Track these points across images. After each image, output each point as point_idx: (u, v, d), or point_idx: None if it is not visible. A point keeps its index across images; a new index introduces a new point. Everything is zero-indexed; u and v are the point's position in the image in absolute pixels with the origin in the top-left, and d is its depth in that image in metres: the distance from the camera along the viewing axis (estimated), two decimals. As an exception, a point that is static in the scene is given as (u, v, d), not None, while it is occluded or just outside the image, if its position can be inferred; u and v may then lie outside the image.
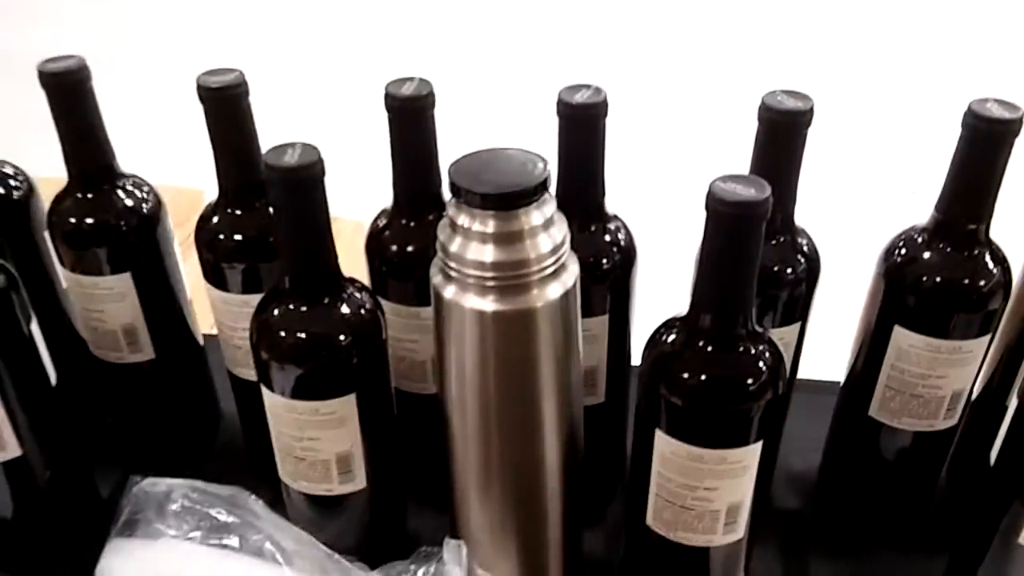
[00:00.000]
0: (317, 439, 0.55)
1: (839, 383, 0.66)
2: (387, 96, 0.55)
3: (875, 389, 0.60)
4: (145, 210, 0.65)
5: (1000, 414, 0.61)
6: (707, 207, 0.45)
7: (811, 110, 0.52)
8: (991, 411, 0.62)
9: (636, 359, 0.64)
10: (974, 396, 0.61)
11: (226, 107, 0.57)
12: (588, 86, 0.54)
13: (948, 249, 0.55)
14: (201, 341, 0.73)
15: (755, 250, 0.45)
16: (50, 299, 0.69)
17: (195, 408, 0.74)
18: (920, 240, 0.57)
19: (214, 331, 0.67)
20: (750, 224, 0.44)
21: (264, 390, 0.55)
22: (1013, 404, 0.52)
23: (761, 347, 0.49)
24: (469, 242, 0.47)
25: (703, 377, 0.49)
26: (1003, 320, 0.58)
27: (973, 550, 0.56)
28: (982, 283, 0.55)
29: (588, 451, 0.58)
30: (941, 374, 0.57)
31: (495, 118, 2.18)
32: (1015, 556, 0.53)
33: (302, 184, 0.48)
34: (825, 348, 0.72)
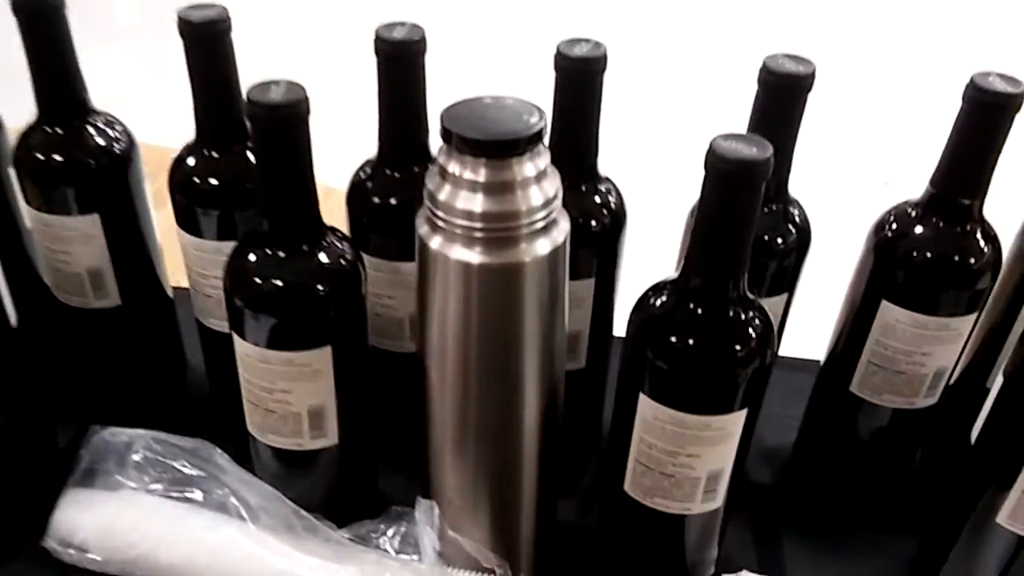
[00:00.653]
0: (289, 391, 0.53)
1: (819, 362, 0.66)
2: (377, 39, 0.53)
3: (857, 364, 0.60)
4: (117, 149, 0.62)
5: (980, 394, 0.61)
6: (706, 165, 0.43)
7: (812, 75, 0.51)
8: (971, 391, 0.62)
9: (618, 328, 0.63)
10: (955, 376, 0.61)
11: (208, 43, 0.55)
12: (588, 40, 0.53)
13: (940, 224, 0.55)
14: (170, 293, 0.71)
15: (753, 211, 0.44)
16: (13, 239, 0.66)
17: (161, 359, 0.72)
18: (912, 214, 0.56)
19: (184, 284, 0.65)
20: (750, 184, 0.43)
21: (236, 339, 0.53)
22: (998, 382, 0.52)
23: (751, 313, 0.48)
24: (458, 191, 0.45)
25: (690, 341, 0.48)
26: (988, 300, 0.58)
27: (948, 528, 0.56)
28: (972, 260, 0.55)
29: (567, 417, 0.57)
30: (926, 351, 0.57)
31: (487, 69, 2.13)
32: (991, 535, 0.53)
33: (286, 122, 0.46)
34: (807, 326, 0.71)
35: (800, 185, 0.58)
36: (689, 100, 2.12)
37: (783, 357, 0.64)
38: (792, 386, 0.67)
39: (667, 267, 0.63)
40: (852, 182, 1.90)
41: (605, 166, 0.59)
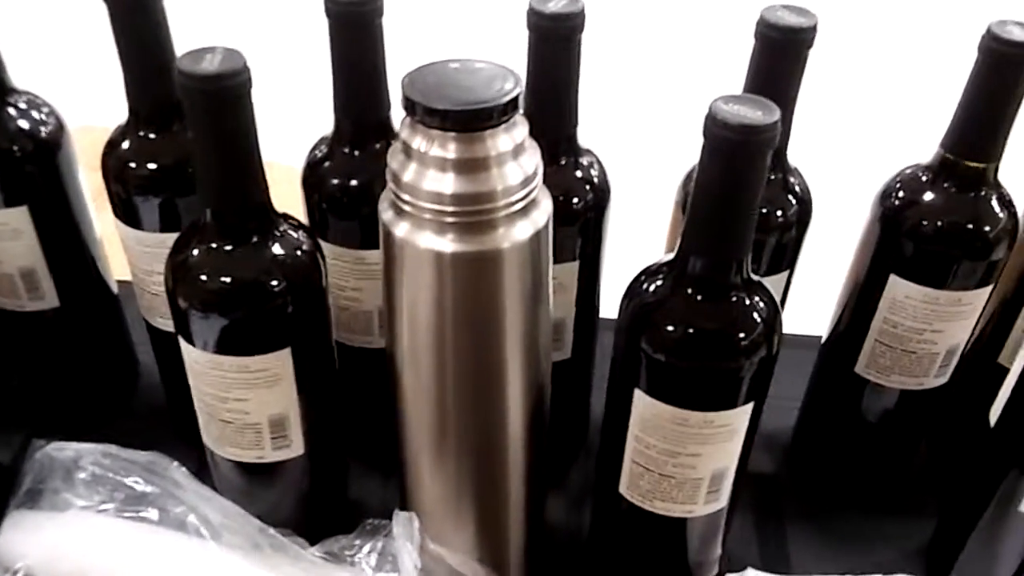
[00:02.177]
0: (246, 400, 0.48)
1: (818, 338, 0.62)
2: (327, 1, 0.47)
3: (864, 344, 0.56)
4: (44, 133, 0.56)
5: (991, 371, 0.57)
6: (706, 131, 0.38)
7: (814, 27, 0.46)
8: (982, 369, 0.58)
9: (604, 311, 0.58)
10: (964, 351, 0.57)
11: (134, 9, 0.48)
12: (562, -6, 0.47)
13: (952, 190, 0.50)
14: (115, 288, 0.65)
15: (758, 183, 0.39)
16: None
17: (108, 363, 0.66)
18: (923, 179, 0.51)
19: (129, 277, 0.59)
20: (756, 152, 0.38)
21: (183, 344, 0.48)
22: (1020, 362, 0.48)
23: (756, 298, 0.43)
24: (425, 170, 0.40)
25: (690, 330, 0.43)
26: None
27: (965, 516, 0.52)
28: (988, 228, 0.50)
29: (552, 411, 0.53)
30: (938, 328, 0.53)
31: (453, 31, 2.03)
32: (1012, 523, 0.49)
33: (224, 95, 0.40)
34: (805, 300, 0.67)
35: (797, 149, 0.53)
36: (677, 58, 2.01)
37: (784, 335, 0.60)
38: (790, 365, 0.62)
39: (656, 244, 0.59)
40: (853, 144, 1.82)
41: (585, 136, 0.53)
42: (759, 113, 0.37)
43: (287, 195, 0.55)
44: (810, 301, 0.66)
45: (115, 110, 0.54)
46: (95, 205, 0.61)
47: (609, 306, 0.50)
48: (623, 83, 1.75)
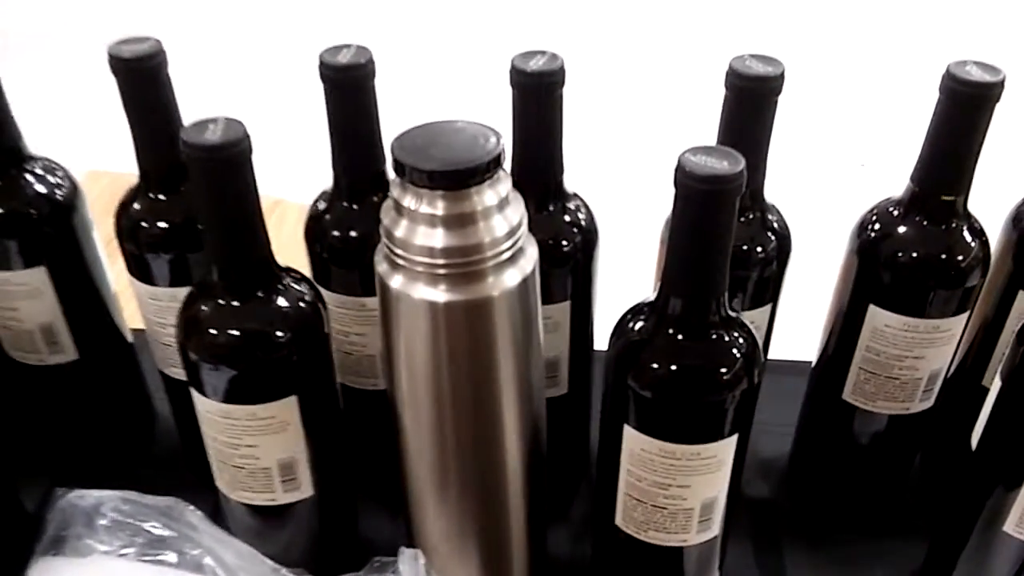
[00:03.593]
0: (256, 446, 0.50)
1: (808, 363, 0.63)
2: (322, 65, 0.50)
3: (848, 372, 0.57)
4: (59, 196, 0.59)
5: (976, 394, 0.59)
6: (676, 182, 0.41)
7: (782, 75, 0.49)
8: (967, 391, 0.60)
9: (600, 344, 0.60)
10: (949, 374, 0.59)
11: (142, 80, 0.51)
12: (543, 52, 0.50)
13: (924, 223, 0.52)
14: (130, 337, 0.67)
15: (728, 228, 0.41)
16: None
17: (125, 412, 0.69)
18: (895, 213, 0.54)
19: (144, 325, 0.62)
20: (724, 200, 0.40)
21: (195, 394, 0.50)
22: (996, 385, 0.50)
23: (735, 333, 0.46)
24: (416, 226, 0.42)
25: (673, 367, 0.45)
26: (979, 295, 0.56)
27: (954, 537, 0.54)
28: (961, 258, 0.52)
29: (551, 445, 0.55)
30: (918, 355, 0.55)
31: (442, 88, 2.09)
32: (998, 543, 0.51)
33: (226, 164, 0.43)
34: (794, 327, 0.69)
35: (773, 183, 0.55)
36: (655, 106, 2.08)
37: (771, 360, 0.62)
38: (784, 391, 0.65)
39: (647, 277, 0.61)
40: (827, 172, 1.87)
41: (571, 180, 0.56)
42: (725, 163, 0.40)
43: (299, 232, 0.58)
44: (803, 326, 0.68)
45: (119, 153, 0.56)
46: (107, 251, 0.63)
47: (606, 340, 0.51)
48: (608, 129, 1.80)
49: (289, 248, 0.57)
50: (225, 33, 2.49)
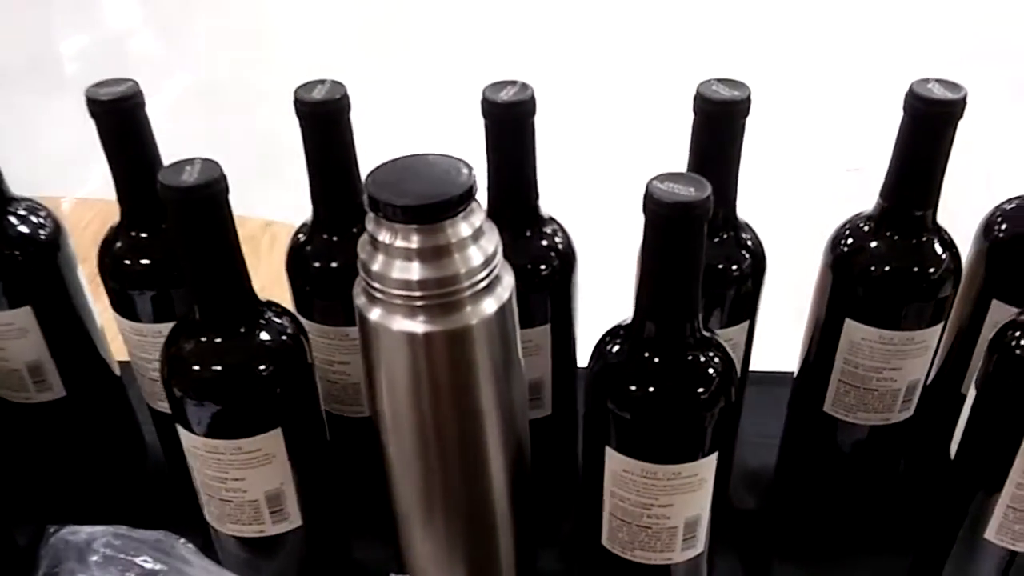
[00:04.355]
0: (243, 479, 0.50)
1: (789, 373, 0.64)
2: (297, 102, 0.51)
3: (828, 384, 0.58)
4: (43, 236, 0.59)
5: (954, 402, 0.60)
6: (645, 209, 0.41)
7: (748, 99, 0.50)
8: (945, 400, 0.61)
9: (582, 362, 0.61)
10: (928, 382, 0.59)
11: (120, 121, 0.52)
12: (514, 82, 0.51)
13: (895, 237, 0.53)
14: (117, 370, 0.68)
15: (698, 252, 0.42)
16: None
17: (115, 446, 0.69)
18: (866, 229, 0.54)
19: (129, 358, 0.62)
20: (691, 226, 0.41)
21: (181, 430, 0.51)
22: (971, 395, 0.51)
23: (711, 353, 0.46)
24: (392, 260, 0.43)
25: (651, 388, 0.46)
26: (953, 306, 0.57)
27: (938, 546, 0.55)
28: (932, 270, 0.53)
29: (538, 466, 0.55)
30: (895, 366, 0.56)
31: (414, 120, 2.12)
32: (981, 550, 0.52)
33: (203, 205, 0.44)
34: (773, 339, 0.70)
35: (745, 206, 0.56)
36: (626, 127, 2.10)
37: (753, 372, 0.62)
38: (766, 403, 0.65)
39: (628, 297, 0.61)
40: (800, 193, 1.88)
41: (545, 203, 0.57)
42: (691, 190, 0.40)
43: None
44: (780, 338, 0.69)
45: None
46: (93, 283, 0.63)
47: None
48: (580, 151, 1.81)
49: (281, 268, 0.58)
50: (207, 56, 2.51)
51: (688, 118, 0.51)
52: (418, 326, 0.44)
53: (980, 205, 0.59)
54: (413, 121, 2.08)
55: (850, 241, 0.55)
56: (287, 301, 0.57)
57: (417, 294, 0.43)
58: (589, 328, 0.62)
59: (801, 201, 1.79)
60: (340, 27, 2.72)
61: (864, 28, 2.55)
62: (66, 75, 2.47)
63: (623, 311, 0.58)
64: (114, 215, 0.58)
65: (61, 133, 2.08)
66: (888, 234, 0.53)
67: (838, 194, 1.79)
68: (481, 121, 0.51)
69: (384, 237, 0.43)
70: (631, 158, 1.77)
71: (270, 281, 0.52)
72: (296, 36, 2.66)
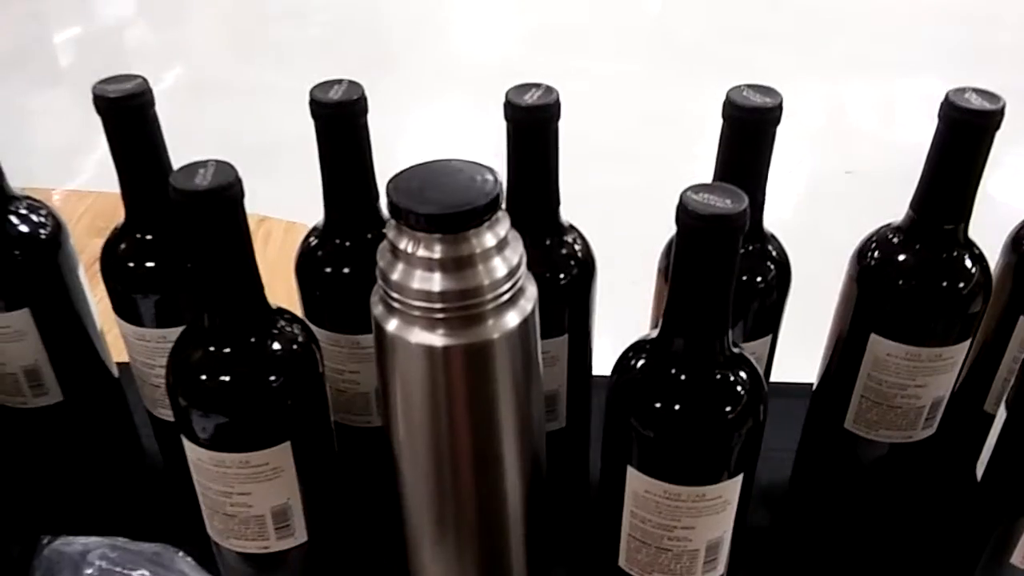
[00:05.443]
0: (248, 494, 0.49)
1: (805, 384, 0.63)
2: (313, 103, 0.49)
3: (850, 400, 0.57)
4: (43, 235, 0.57)
5: (977, 419, 0.58)
6: (678, 221, 0.40)
7: (780, 106, 0.48)
8: (968, 417, 0.59)
9: (597, 370, 0.59)
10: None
11: (128, 119, 0.50)
12: (538, 85, 0.49)
13: (926, 251, 0.52)
14: (115, 372, 0.66)
15: (732, 267, 0.41)
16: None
17: (112, 453, 0.67)
18: (895, 241, 0.53)
19: (128, 359, 0.60)
20: (727, 239, 0.39)
21: (185, 441, 0.49)
22: (1001, 415, 0.49)
23: (740, 371, 0.45)
24: (413, 269, 0.41)
25: (677, 407, 0.44)
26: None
27: (960, 569, 0.53)
28: (962, 286, 0.52)
29: (551, 481, 0.53)
30: (921, 383, 0.54)
31: (435, 122, 2.10)
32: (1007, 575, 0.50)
33: (218, 210, 0.42)
34: (792, 350, 0.68)
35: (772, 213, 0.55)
36: (651, 135, 2.07)
37: (773, 384, 0.61)
38: (784, 414, 0.63)
39: (646, 304, 0.60)
40: (827, 201, 1.87)
41: (565, 211, 0.55)
42: (728, 202, 0.39)
43: (285, 250, 0.56)
44: (798, 350, 0.67)
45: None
46: (90, 276, 0.61)
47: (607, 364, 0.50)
48: (602, 157, 1.79)
49: (276, 266, 0.56)
50: (214, 65, 2.48)
51: (708, 124, 0.50)
52: (437, 339, 0.42)
53: (1007, 216, 0.58)
54: (431, 123, 2.06)
55: (877, 254, 0.54)
56: (283, 299, 0.55)
57: (438, 306, 0.42)
58: (599, 337, 0.60)
59: (801, 202, 1.77)
60: (341, 21, 2.69)
61: (859, 30, 2.55)
62: (59, 66, 2.44)
63: (637, 320, 0.56)
64: (108, 207, 0.56)
65: (54, 124, 2.06)
66: (918, 247, 0.52)
67: (837, 195, 1.79)
68: (502, 124, 0.50)
69: (405, 246, 0.41)
70: (651, 165, 1.74)
71: (266, 279, 0.51)
72: (295, 30, 2.63)
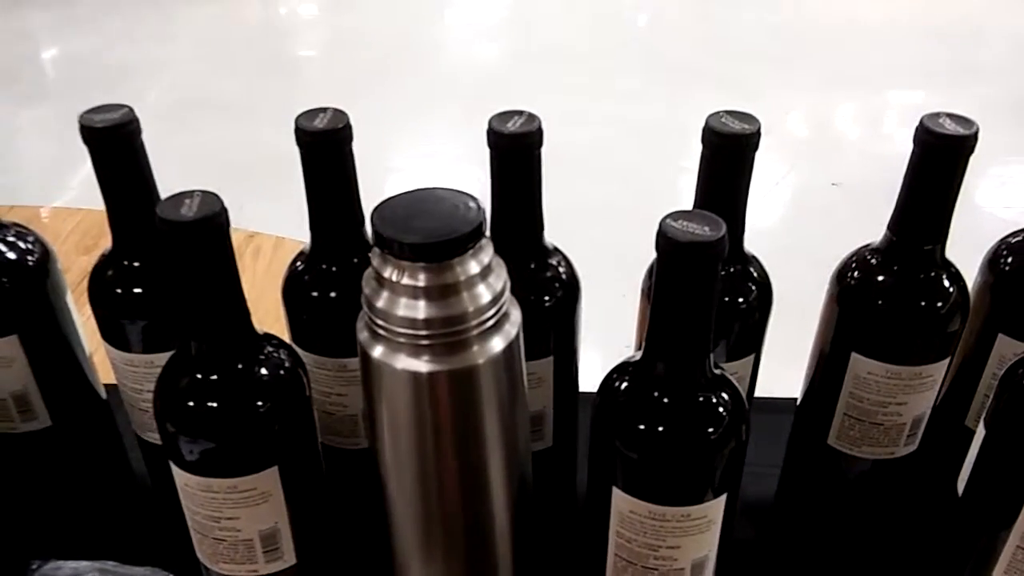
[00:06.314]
0: (237, 518, 0.49)
1: (788, 399, 0.63)
2: (298, 131, 0.50)
3: (833, 417, 0.58)
4: (31, 263, 0.58)
5: (957, 436, 0.59)
6: (658, 247, 0.41)
7: (758, 132, 0.49)
8: (949, 433, 0.60)
9: (586, 386, 0.60)
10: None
11: (115, 149, 0.51)
12: (520, 112, 0.50)
13: (904, 271, 0.53)
14: (104, 395, 0.66)
15: (712, 292, 0.41)
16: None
17: (102, 477, 0.67)
18: (874, 262, 0.54)
19: (115, 380, 0.60)
20: (706, 266, 0.40)
21: (173, 467, 0.49)
22: (980, 432, 0.50)
23: (722, 393, 0.45)
24: (398, 297, 0.42)
25: (661, 429, 0.45)
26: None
27: (944, 583, 0.54)
28: (941, 305, 0.53)
29: (537, 500, 0.54)
30: (902, 400, 0.55)
31: (417, 149, 2.11)
32: (988, 590, 0.51)
33: (205, 240, 0.42)
34: (783, 361, 0.69)
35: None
36: (640, 147, 2.08)
37: (756, 399, 0.61)
38: (768, 429, 0.64)
39: (634, 318, 0.60)
40: (803, 217, 1.88)
41: (554, 225, 0.56)
42: (706, 228, 0.40)
43: (274, 265, 0.56)
44: (780, 363, 0.68)
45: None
46: (76, 299, 0.61)
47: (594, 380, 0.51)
48: (583, 179, 1.79)
49: (264, 280, 0.57)
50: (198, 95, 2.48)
51: (688, 148, 0.50)
52: (423, 365, 0.43)
53: (985, 235, 0.59)
54: (412, 150, 2.06)
55: (856, 274, 0.54)
56: (272, 314, 0.55)
57: (423, 333, 0.42)
58: (589, 350, 0.61)
59: (787, 214, 1.79)
60: (325, 43, 2.70)
61: (849, 43, 2.57)
62: (46, 83, 2.44)
63: (619, 332, 0.56)
64: (95, 225, 0.56)
65: (41, 141, 2.06)
66: (896, 268, 0.53)
67: (823, 207, 1.81)
68: (485, 150, 0.50)
69: (390, 274, 0.42)
70: (633, 186, 1.74)
71: (255, 295, 0.51)
72: (284, 51, 2.64)
